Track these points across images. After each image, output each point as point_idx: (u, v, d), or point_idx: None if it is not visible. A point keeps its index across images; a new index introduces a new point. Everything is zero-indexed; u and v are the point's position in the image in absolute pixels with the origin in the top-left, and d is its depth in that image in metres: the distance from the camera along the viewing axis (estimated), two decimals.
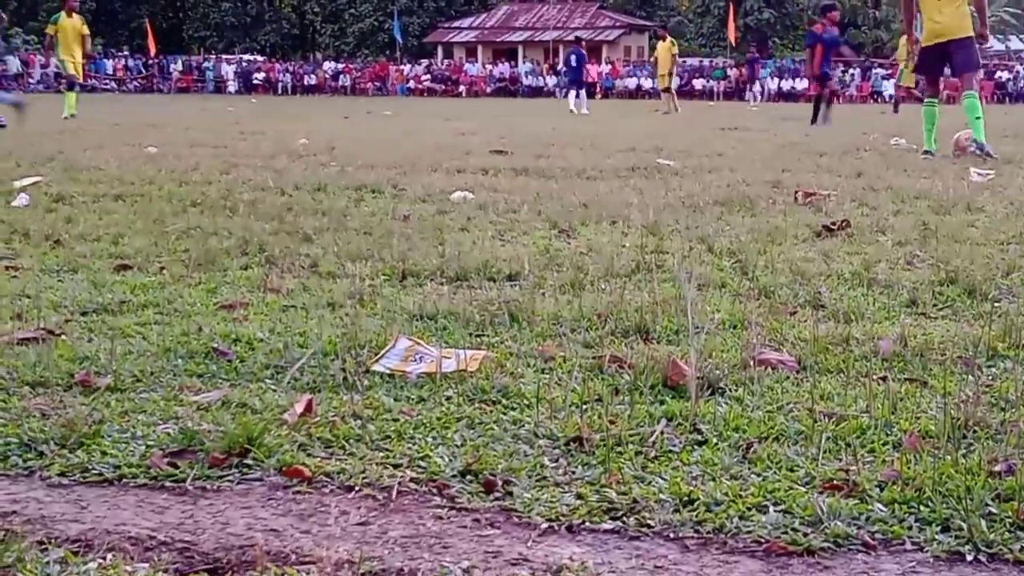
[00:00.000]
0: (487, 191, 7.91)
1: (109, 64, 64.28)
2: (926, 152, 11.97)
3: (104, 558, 1.94)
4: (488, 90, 61.00)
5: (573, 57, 32.37)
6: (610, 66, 62.60)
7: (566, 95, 32.56)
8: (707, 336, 3.46)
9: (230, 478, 2.33)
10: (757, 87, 55.88)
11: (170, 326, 3.64)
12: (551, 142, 14.57)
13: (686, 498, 2.20)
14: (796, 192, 7.62)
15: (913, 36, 12.45)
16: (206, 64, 65.76)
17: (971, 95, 11.71)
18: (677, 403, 2.79)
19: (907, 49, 23.77)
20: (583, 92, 32.21)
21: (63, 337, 3.46)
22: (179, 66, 64.97)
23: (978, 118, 11.59)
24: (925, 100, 12.66)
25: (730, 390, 2.94)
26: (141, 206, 6.93)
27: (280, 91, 62.76)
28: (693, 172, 9.83)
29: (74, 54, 22.92)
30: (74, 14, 22.88)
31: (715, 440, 2.54)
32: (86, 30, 23.18)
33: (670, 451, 2.47)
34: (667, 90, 33.41)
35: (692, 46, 67.28)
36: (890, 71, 46.41)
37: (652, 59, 37.41)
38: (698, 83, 58.28)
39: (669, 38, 33.70)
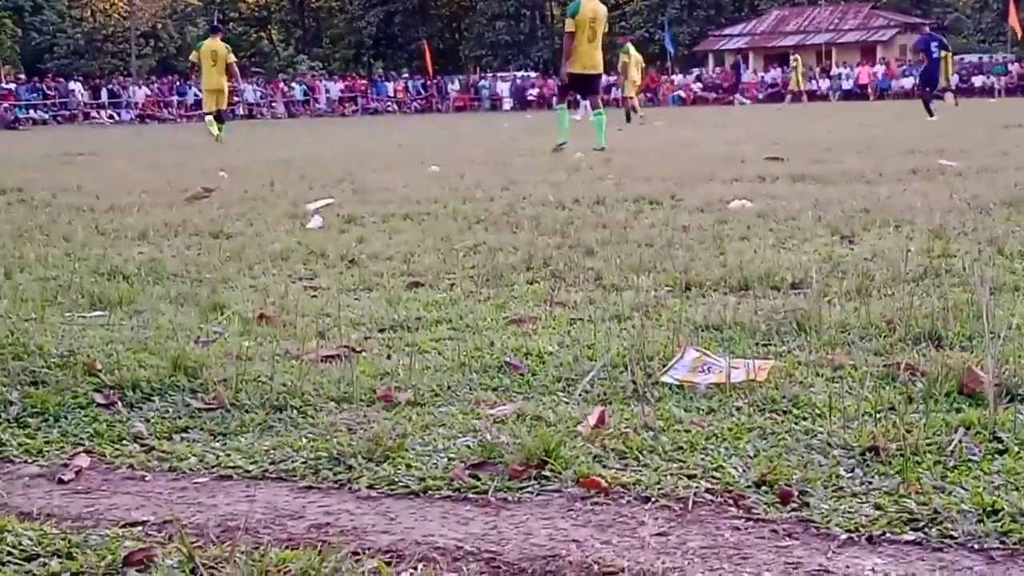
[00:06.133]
0: (765, 199, 7.84)
1: (390, 86, 66.09)
2: (561, 145, 15.80)
3: (415, 568, 2.02)
4: (760, 96, 60.08)
5: (934, 45, 25.64)
6: (885, 67, 60.92)
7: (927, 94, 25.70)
8: (1003, 341, 3.36)
9: (529, 489, 2.39)
10: None
11: (463, 341, 3.74)
12: (827, 146, 14.33)
13: (989, 508, 2.15)
14: None
15: (566, 68, 16.17)
16: (482, 83, 66.91)
17: (599, 112, 16.33)
18: (974, 411, 2.73)
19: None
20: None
21: (364, 354, 3.61)
22: (456, 85, 66.28)
23: (599, 127, 16.08)
24: (557, 106, 17.24)
25: None
26: (428, 224, 7.14)
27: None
28: (977, 172, 9.53)
29: None
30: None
31: (1017, 448, 2.48)
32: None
33: (969, 460, 2.42)
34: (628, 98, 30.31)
35: (971, 42, 64.97)
36: None
37: (621, 67, 30.85)
38: (978, 80, 56.08)
39: (629, 46, 30.26)
